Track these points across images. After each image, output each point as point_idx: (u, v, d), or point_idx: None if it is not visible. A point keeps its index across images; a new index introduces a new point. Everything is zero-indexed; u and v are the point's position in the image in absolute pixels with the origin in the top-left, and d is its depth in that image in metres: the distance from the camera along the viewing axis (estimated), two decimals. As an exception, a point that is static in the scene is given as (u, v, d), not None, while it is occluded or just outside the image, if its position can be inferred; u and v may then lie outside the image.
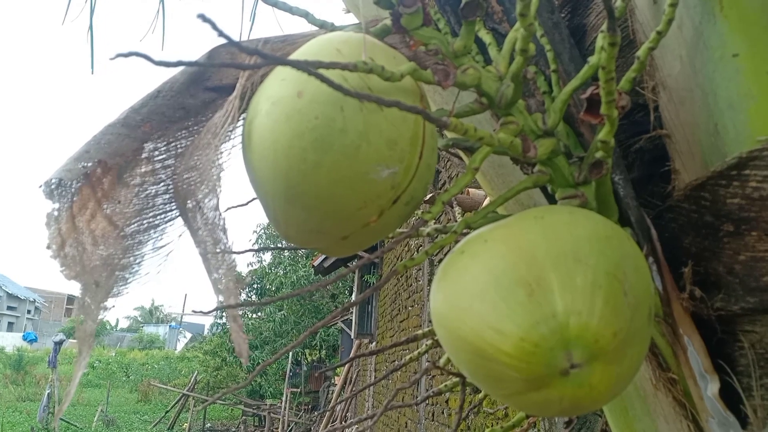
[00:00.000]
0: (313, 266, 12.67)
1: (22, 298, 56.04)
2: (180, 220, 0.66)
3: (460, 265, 0.58)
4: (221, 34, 0.38)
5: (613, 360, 0.51)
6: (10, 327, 53.47)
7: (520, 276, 0.52)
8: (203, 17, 0.36)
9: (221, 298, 0.61)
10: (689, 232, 0.67)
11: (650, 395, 0.74)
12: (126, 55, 0.43)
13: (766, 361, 0.62)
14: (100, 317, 0.60)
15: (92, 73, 1.82)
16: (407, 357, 1.02)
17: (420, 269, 6.26)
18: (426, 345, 1.00)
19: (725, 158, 0.61)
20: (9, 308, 54.29)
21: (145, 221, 0.65)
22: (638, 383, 0.76)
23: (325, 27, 0.71)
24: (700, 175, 0.64)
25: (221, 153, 0.62)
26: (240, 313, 0.61)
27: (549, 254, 0.53)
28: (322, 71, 0.54)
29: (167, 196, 0.66)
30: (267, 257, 19.68)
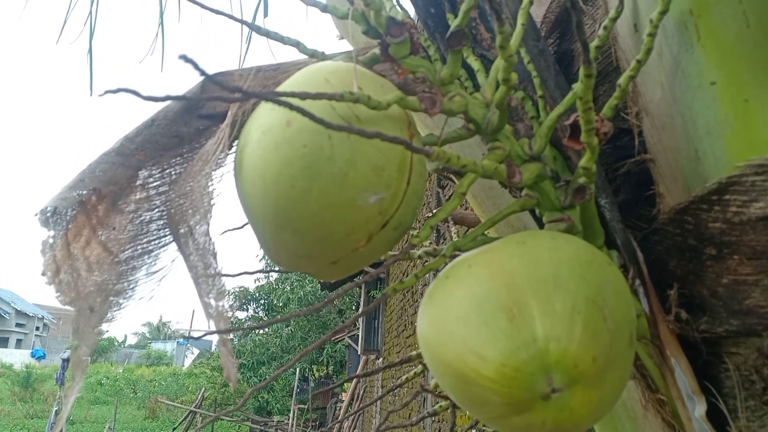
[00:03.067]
0: (320, 282, 12.68)
1: (31, 315, 56.22)
2: (173, 246, 0.67)
3: (445, 289, 0.59)
4: (203, 73, 0.39)
5: (594, 384, 0.52)
6: (19, 344, 53.63)
7: (502, 301, 0.53)
8: (185, 58, 0.38)
9: (212, 322, 0.62)
10: (674, 255, 0.67)
11: (640, 416, 0.74)
12: (114, 92, 0.45)
13: (750, 383, 0.63)
14: (94, 342, 0.61)
15: (91, 95, 1.84)
16: (404, 377, 1.03)
17: (425, 284, 6.26)
18: (421, 365, 1.00)
19: (706, 183, 0.62)
20: (18, 325, 54.47)
21: (139, 247, 0.66)
22: (628, 404, 0.76)
23: (316, 56, 0.73)
24: (683, 199, 0.65)
25: (213, 180, 0.64)
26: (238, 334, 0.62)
27: (530, 279, 0.54)
28: (310, 102, 0.56)
29: (161, 222, 0.68)
30: (274, 273, 19.71)
